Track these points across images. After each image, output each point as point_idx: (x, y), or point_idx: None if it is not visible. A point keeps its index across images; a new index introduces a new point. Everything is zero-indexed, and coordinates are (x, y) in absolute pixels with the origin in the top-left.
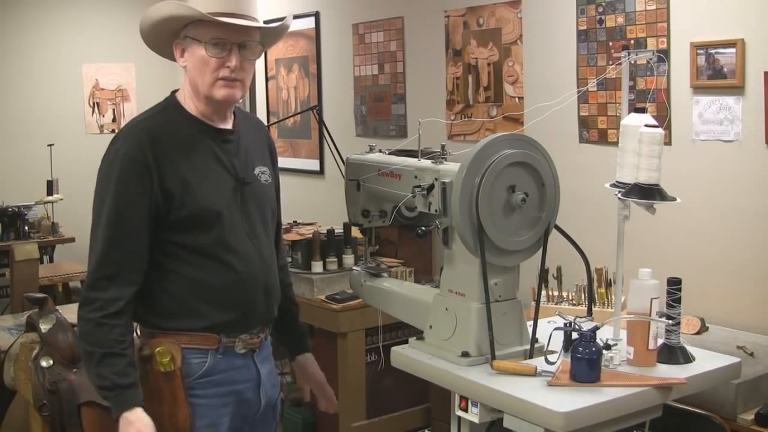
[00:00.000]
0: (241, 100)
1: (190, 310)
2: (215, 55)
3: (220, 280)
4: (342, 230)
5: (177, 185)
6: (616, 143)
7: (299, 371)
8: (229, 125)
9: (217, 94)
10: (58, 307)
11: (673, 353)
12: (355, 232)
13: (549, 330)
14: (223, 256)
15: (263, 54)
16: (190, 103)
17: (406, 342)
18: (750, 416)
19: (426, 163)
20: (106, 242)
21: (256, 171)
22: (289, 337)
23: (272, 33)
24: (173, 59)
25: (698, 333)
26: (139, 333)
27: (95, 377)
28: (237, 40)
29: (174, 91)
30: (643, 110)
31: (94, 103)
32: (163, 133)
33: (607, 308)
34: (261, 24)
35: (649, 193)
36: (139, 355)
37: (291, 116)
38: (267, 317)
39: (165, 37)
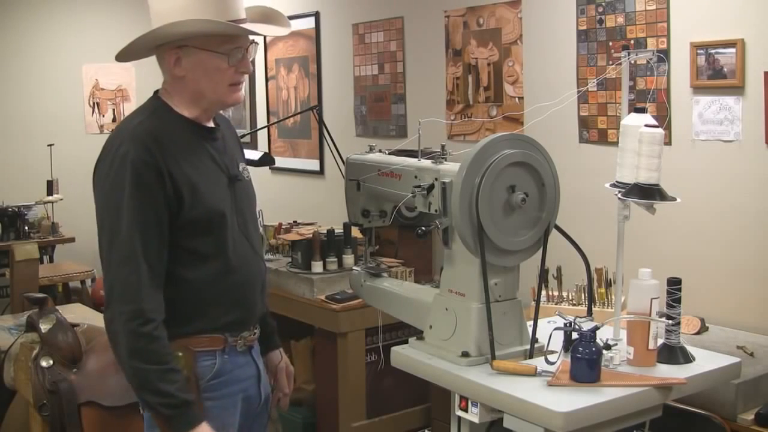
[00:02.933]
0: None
1: (197, 314)
2: (234, 63)
3: (223, 281)
4: (342, 230)
5: (186, 187)
6: (616, 143)
7: (269, 366)
8: (212, 123)
9: (230, 100)
10: (58, 307)
11: (673, 353)
12: (355, 232)
13: (549, 330)
14: (225, 256)
15: (263, 54)
16: (181, 107)
17: (406, 342)
18: (750, 416)
19: (426, 163)
20: (135, 248)
21: (240, 167)
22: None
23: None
24: (141, 58)
25: (698, 333)
26: None
27: (155, 395)
28: (247, 45)
29: (156, 92)
30: (643, 110)
31: (94, 103)
32: (164, 135)
33: (607, 308)
34: (271, 33)
35: (649, 193)
36: None
37: (291, 116)
38: (262, 313)
39: (153, 45)
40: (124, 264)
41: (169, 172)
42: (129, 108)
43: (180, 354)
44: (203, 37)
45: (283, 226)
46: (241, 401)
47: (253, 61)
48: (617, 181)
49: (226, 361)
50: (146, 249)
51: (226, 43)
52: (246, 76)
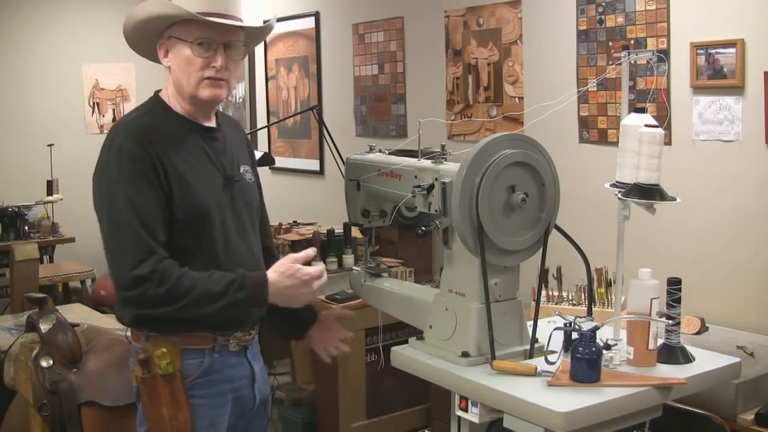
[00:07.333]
0: (241, 99)
1: None
2: (201, 54)
3: None
4: (342, 230)
5: (176, 182)
6: (616, 143)
7: (322, 330)
8: (213, 123)
9: (203, 94)
10: (58, 307)
11: (673, 353)
12: (355, 232)
13: (549, 330)
14: (214, 255)
15: (263, 54)
16: (175, 103)
17: (406, 342)
18: (750, 416)
19: (426, 163)
20: (136, 232)
21: (241, 169)
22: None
23: (256, 33)
24: (154, 59)
25: (698, 333)
26: (130, 337)
27: (224, 296)
28: (222, 40)
29: (157, 91)
30: (643, 110)
31: (94, 103)
32: (157, 131)
33: (607, 308)
34: (245, 24)
35: (649, 193)
36: (137, 358)
37: (291, 116)
38: (260, 314)
39: (149, 36)
40: (128, 248)
41: (162, 166)
42: (129, 108)
43: (165, 350)
44: (182, 27)
45: (283, 226)
46: (232, 401)
47: (249, 63)
48: (617, 181)
49: (215, 360)
50: (148, 229)
51: (197, 33)
52: (223, 74)
